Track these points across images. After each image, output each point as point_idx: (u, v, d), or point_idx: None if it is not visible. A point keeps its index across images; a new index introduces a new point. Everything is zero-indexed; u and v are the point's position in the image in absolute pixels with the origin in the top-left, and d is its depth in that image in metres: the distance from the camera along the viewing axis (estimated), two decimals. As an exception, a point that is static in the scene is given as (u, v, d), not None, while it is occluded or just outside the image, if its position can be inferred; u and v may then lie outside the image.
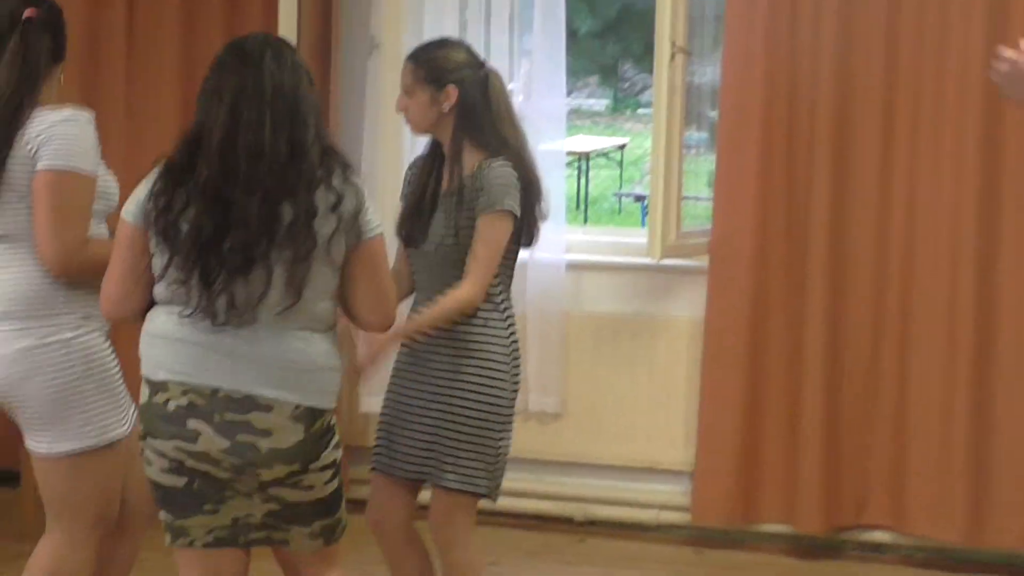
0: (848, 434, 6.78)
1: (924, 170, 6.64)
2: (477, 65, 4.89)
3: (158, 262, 4.05)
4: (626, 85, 15.68)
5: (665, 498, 7.13)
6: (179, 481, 4.10)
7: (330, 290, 4.11)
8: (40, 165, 4.47)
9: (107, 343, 4.62)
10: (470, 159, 4.80)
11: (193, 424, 4.03)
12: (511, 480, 7.10)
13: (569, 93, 7.33)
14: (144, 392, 4.10)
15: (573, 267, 7.16)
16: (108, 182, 4.66)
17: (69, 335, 4.53)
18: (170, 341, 4.06)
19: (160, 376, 4.06)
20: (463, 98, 4.80)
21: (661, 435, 7.05)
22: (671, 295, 7.11)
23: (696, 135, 7.52)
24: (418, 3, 7.10)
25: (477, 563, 4.97)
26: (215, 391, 4.03)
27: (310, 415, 4.09)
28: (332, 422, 4.16)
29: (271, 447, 4.05)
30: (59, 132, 4.48)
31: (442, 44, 4.98)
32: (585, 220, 15.17)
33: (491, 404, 4.80)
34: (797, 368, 6.80)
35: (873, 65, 6.66)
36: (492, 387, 4.81)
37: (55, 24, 4.69)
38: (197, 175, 3.99)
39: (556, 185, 7.24)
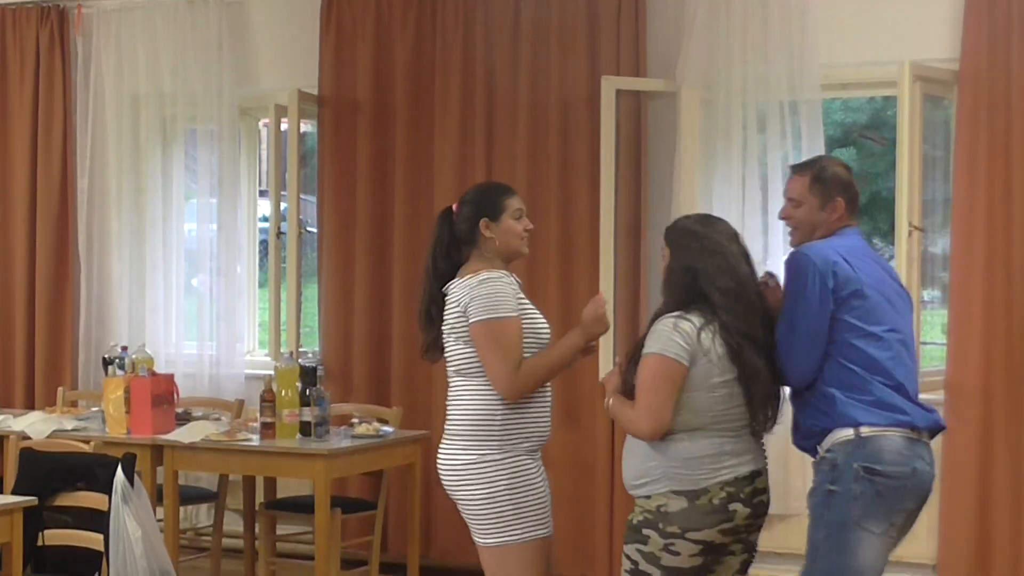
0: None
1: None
2: None
3: (705, 396, 4.25)
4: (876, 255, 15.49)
5: (913, 587, 6.97)
6: (699, 560, 4.25)
7: None
8: (473, 319, 4.55)
9: (534, 463, 4.61)
10: None
11: (732, 506, 4.23)
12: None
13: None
14: (678, 502, 4.22)
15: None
16: (537, 321, 4.67)
17: (498, 457, 4.56)
18: (702, 458, 4.25)
19: (702, 484, 4.23)
20: None
21: (909, 533, 6.86)
22: (914, 422, 6.98)
23: (932, 293, 7.43)
24: (708, 198, 7.13)
25: None
26: (736, 478, 4.25)
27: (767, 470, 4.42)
28: None
29: (768, 498, 4.36)
30: (480, 291, 4.55)
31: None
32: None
33: None
34: (1018, 478, 6.66)
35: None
36: None
37: (480, 195, 4.78)
38: (729, 321, 4.25)
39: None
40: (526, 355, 4.58)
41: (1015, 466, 6.65)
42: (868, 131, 15.07)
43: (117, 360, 6.87)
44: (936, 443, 6.70)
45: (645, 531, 4.27)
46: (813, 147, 7.01)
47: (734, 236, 4.38)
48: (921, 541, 6.85)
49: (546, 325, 4.71)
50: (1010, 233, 6.68)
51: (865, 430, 4.29)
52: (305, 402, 6.43)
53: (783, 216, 4.64)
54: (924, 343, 7.05)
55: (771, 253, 7.12)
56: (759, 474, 4.33)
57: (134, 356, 6.85)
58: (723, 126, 7.15)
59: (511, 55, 7.55)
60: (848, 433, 4.31)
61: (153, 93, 8.33)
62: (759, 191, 7.11)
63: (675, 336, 4.23)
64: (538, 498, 4.60)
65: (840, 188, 4.55)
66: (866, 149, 15.21)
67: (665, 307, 4.37)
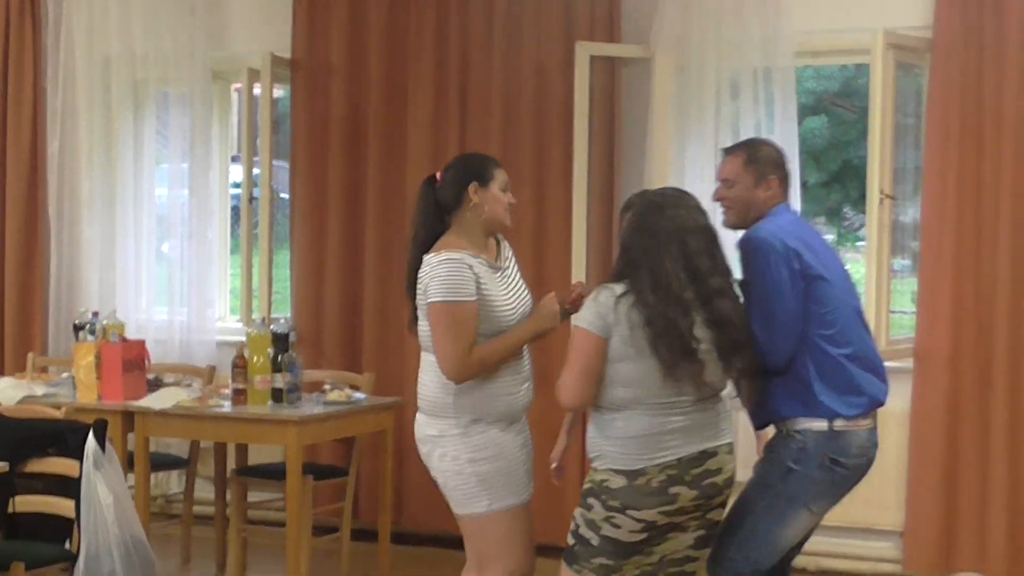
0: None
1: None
2: None
3: (627, 368, 4.20)
4: (846, 223, 15.55)
5: (880, 552, 7.01)
6: (641, 536, 4.25)
7: None
8: (430, 299, 4.52)
9: (502, 434, 4.58)
10: None
11: (673, 489, 4.20)
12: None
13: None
14: (619, 480, 4.22)
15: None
16: (498, 304, 4.58)
17: (458, 431, 4.56)
18: (636, 438, 4.22)
19: (638, 465, 4.21)
20: None
21: (877, 501, 6.89)
22: (884, 390, 6.99)
23: (901, 262, 7.45)
24: (680, 163, 7.12)
25: None
26: (680, 459, 4.21)
27: (732, 447, 4.38)
28: None
29: (723, 479, 4.30)
30: (438, 272, 4.52)
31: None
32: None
33: None
34: (985, 446, 6.70)
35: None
36: None
37: (469, 162, 4.78)
38: (663, 293, 4.16)
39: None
40: (482, 337, 4.56)
41: (983, 434, 6.70)
42: (840, 99, 15.11)
43: (88, 326, 6.84)
44: (904, 410, 6.82)
45: (590, 499, 4.30)
46: (786, 114, 7.02)
47: (691, 211, 4.30)
48: (889, 509, 6.91)
49: (510, 308, 4.63)
50: (980, 202, 6.70)
51: (839, 424, 4.39)
52: (277, 368, 6.40)
53: (717, 197, 4.64)
54: (893, 311, 7.07)
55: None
56: (711, 455, 4.27)
57: (105, 322, 6.81)
58: (696, 92, 7.14)
59: (485, 20, 7.53)
60: (822, 425, 4.39)
61: (125, 56, 8.27)
62: (732, 158, 7.10)
63: (592, 307, 4.25)
64: (505, 468, 4.59)
65: (773, 167, 4.61)
66: (838, 117, 15.25)
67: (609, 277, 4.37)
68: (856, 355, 4.43)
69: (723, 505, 4.38)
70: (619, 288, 4.23)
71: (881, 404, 4.51)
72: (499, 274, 4.67)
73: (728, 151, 4.72)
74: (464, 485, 4.58)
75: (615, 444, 4.25)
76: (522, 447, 4.68)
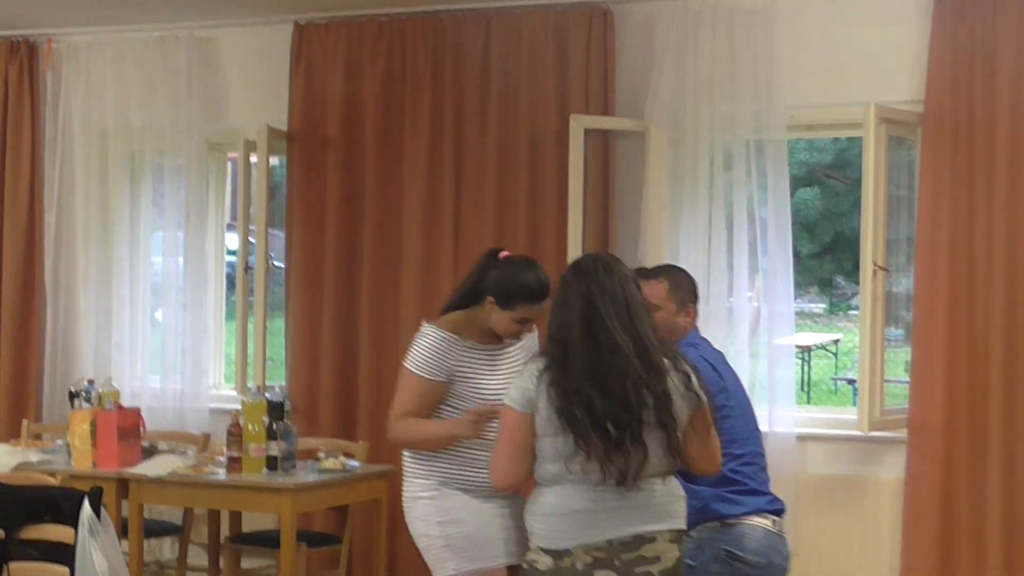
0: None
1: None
2: None
3: (551, 443, 4.00)
4: (839, 292, 15.60)
5: (875, 626, 6.99)
6: None
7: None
8: (404, 361, 4.78)
9: (476, 501, 4.68)
10: None
11: (599, 574, 3.98)
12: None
13: (795, 299, 7.29)
14: (546, 560, 4.02)
15: (801, 438, 7.08)
16: (483, 386, 4.72)
17: (428, 494, 4.73)
18: (564, 515, 4.02)
19: (563, 545, 4.00)
20: None
21: (872, 572, 6.90)
22: (877, 460, 7.01)
23: (894, 331, 7.49)
24: (674, 236, 7.17)
25: None
26: (610, 541, 4.00)
27: (680, 536, 4.10)
28: None
29: (662, 569, 4.03)
30: (419, 343, 4.75)
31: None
32: (808, 400, 14.98)
33: None
34: (981, 516, 6.69)
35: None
36: None
37: (508, 280, 4.74)
38: (572, 368, 3.97)
39: (786, 372, 7.18)
40: (453, 413, 4.72)
41: (978, 504, 6.69)
42: (832, 170, 15.22)
43: (83, 393, 6.86)
44: (899, 480, 6.83)
45: None
46: (778, 186, 7.06)
47: (614, 280, 4.08)
48: (883, 579, 6.92)
49: (499, 390, 4.58)
50: (972, 272, 6.75)
51: (730, 519, 4.51)
52: (272, 436, 6.43)
53: None
54: (888, 381, 7.09)
55: (736, 291, 7.17)
56: (648, 540, 4.02)
57: (101, 389, 6.84)
58: (690, 165, 7.19)
59: (480, 93, 7.59)
60: (713, 522, 4.51)
61: (121, 127, 8.32)
62: (725, 229, 7.15)
63: (517, 383, 4.09)
64: (473, 533, 4.68)
65: (692, 295, 4.84)
66: (830, 188, 15.37)
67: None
68: (755, 482, 4.60)
69: None
70: (542, 363, 4.06)
71: (773, 509, 4.61)
72: (490, 358, 4.80)
73: (647, 275, 4.77)
74: (432, 547, 4.72)
75: (543, 521, 4.05)
76: (501, 517, 4.73)
